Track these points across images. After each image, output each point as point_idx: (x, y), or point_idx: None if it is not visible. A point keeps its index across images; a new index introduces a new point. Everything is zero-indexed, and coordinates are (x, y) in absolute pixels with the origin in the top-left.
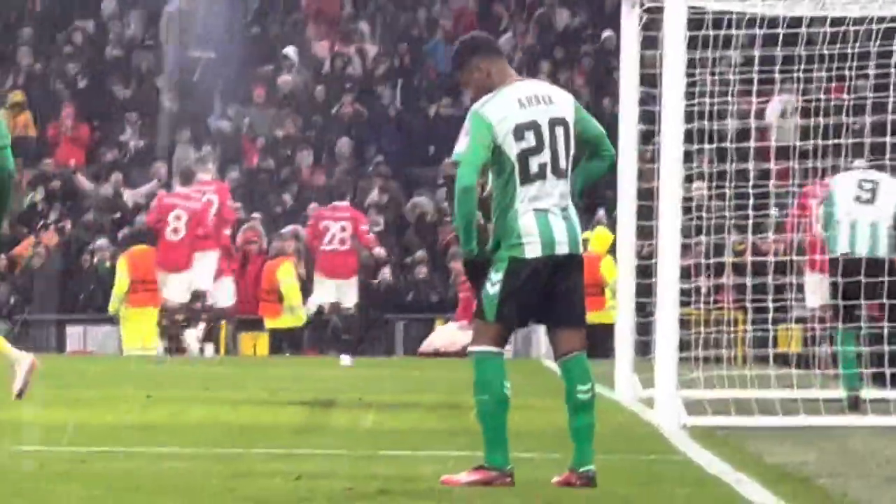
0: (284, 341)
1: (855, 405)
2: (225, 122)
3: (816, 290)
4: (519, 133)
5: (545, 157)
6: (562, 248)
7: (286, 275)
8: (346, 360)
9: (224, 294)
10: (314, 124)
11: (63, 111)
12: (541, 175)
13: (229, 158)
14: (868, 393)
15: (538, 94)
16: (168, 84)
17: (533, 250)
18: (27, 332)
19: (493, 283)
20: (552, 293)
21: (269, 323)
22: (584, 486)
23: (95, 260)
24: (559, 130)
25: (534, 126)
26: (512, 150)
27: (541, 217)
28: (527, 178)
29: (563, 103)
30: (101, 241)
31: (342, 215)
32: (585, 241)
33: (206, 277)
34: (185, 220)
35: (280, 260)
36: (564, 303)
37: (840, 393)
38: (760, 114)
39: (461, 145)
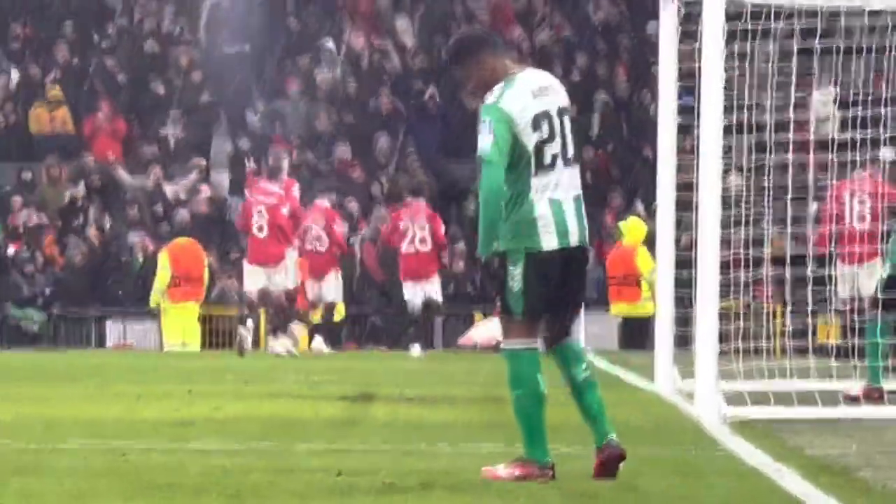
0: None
1: (874, 397)
2: (260, 116)
3: (847, 282)
4: (536, 123)
5: (557, 146)
6: (573, 239)
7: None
8: (416, 350)
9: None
10: (350, 118)
11: (100, 106)
12: (553, 165)
13: (265, 152)
14: None
15: (545, 83)
16: (205, 78)
17: (549, 241)
18: (66, 327)
19: (514, 278)
20: (563, 284)
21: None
22: (613, 457)
23: (142, 253)
24: (566, 119)
25: (546, 116)
26: (530, 140)
27: (555, 205)
28: (541, 168)
29: (563, 92)
30: (135, 236)
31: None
32: (619, 232)
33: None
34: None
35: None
36: (571, 294)
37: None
38: (798, 106)
39: (485, 142)
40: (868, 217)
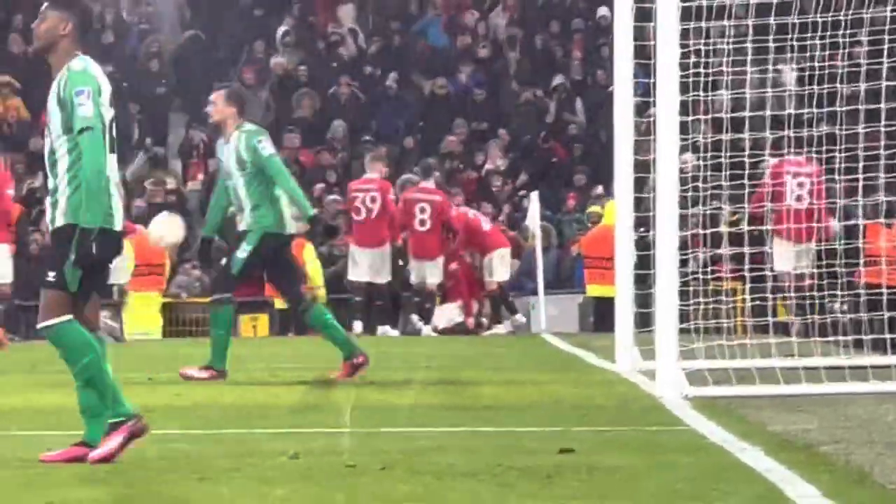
0: (291, 322)
1: None
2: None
3: (783, 257)
4: (110, 101)
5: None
6: (118, 224)
7: (311, 256)
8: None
9: None
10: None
11: None
12: (112, 147)
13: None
14: (870, 359)
15: None
16: (162, 66)
17: (112, 220)
18: (27, 318)
19: (72, 254)
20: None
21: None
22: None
23: None
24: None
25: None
26: (107, 117)
27: (112, 187)
28: (112, 148)
29: None
30: None
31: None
32: (599, 215)
33: None
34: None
35: (301, 241)
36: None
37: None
38: (754, 84)
39: (87, 109)
40: (806, 197)
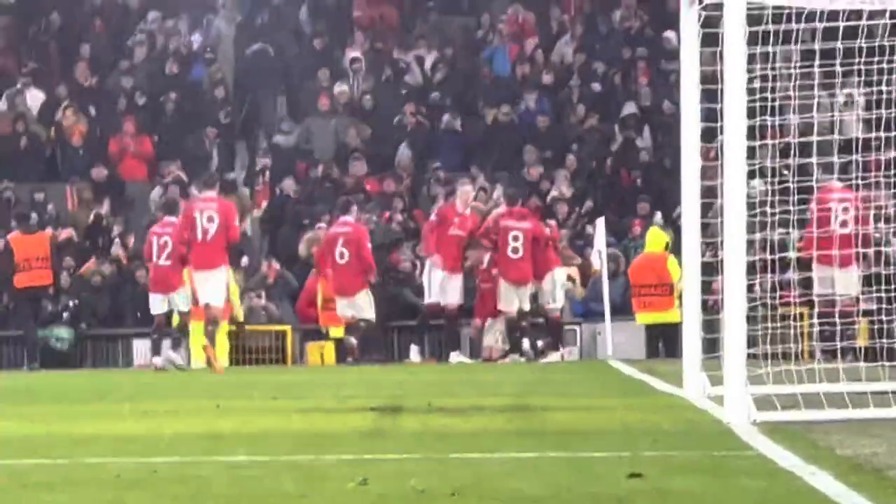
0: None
1: None
2: (285, 133)
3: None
4: None
5: None
6: None
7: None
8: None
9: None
10: (374, 133)
11: (124, 125)
12: None
13: (287, 168)
14: None
15: None
16: (226, 95)
17: None
18: (94, 346)
19: None
20: None
21: (337, 332)
22: None
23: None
24: None
25: None
26: None
27: None
28: None
29: None
30: None
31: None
32: (642, 243)
33: None
34: None
35: None
36: None
37: None
38: (822, 108)
39: None
40: (850, 223)
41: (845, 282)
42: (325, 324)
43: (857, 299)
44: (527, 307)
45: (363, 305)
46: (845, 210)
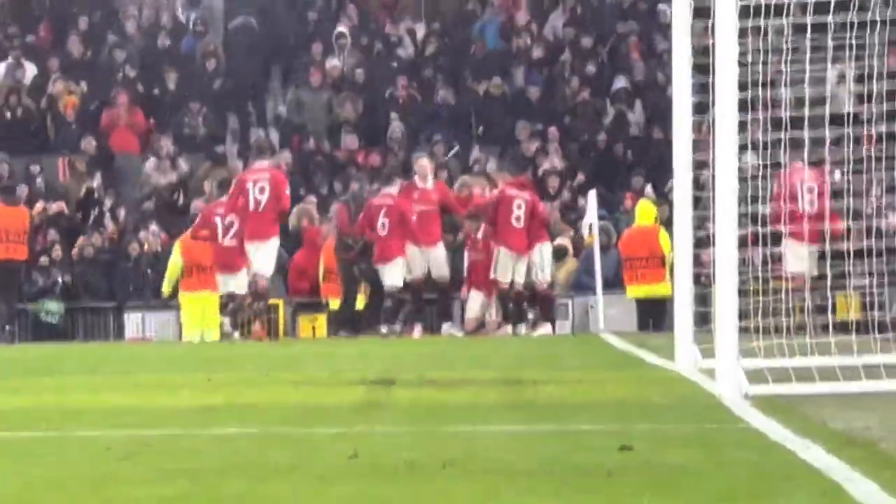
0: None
1: None
2: (278, 107)
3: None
4: None
5: None
6: None
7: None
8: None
9: None
10: (365, 107)
11: (117, 98)
12: None
13: (281, 142)
14: None
15: None
16: (219, 66)
17: None
18: (84, 319)
19: None
20: None
21: (335, 304)
22: None
23: (146, 247)
24: None
25: None
26: None
27: None
28: None
29: None
30: (153, 228)
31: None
32: (632, 216)
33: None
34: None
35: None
36: None
37: None
38: (813, 81)
39: None
40: (816, 202)
41: (809, 259)
42: (326, 295)
43: (813, 277)
44: (520, 279)
45: (399, 272)
46: (810, 189)
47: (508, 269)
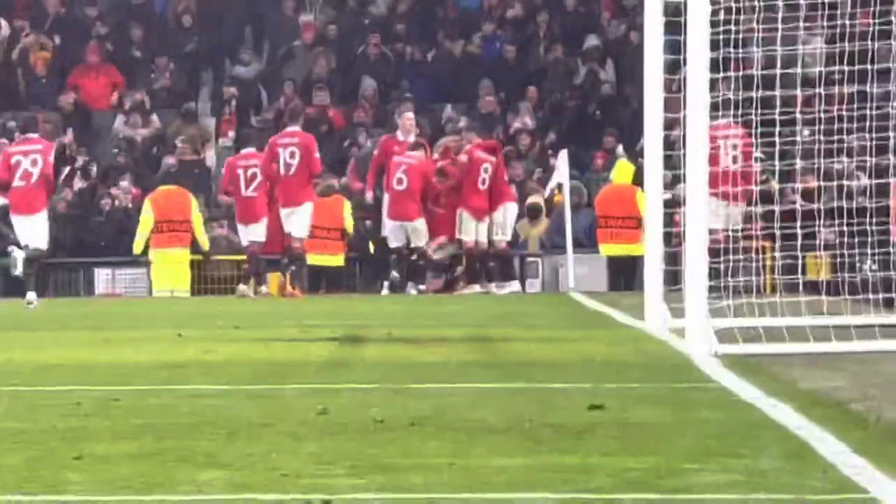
0: (330, 279)
1: None
2: (248, 65)
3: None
4: None
5: None
6: None
7: (349, 212)
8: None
9: None
10: (338, 64)
11: (88, 54)
12: None
13: (251, 102)
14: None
15: None
16: (193, 23)
17: None
18: (55, 275)
19: None
20: None
21: (330, 261)
22: None
23: (117, 202)
24: None
25: None
26: None
27: None
28: None
29: None
30: (123, 184)
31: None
32: (605, 176)
33: None
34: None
35: (340, 198)
36: None
37: (869, 319)
38: (785, 41)
39: None
40: (739, 159)
41: (733, 216)
42: (309, 251)
43: (730, 237)
44: (483, 239)
45: (422, 231)
46: (734, 146)
47: (471, 229)
